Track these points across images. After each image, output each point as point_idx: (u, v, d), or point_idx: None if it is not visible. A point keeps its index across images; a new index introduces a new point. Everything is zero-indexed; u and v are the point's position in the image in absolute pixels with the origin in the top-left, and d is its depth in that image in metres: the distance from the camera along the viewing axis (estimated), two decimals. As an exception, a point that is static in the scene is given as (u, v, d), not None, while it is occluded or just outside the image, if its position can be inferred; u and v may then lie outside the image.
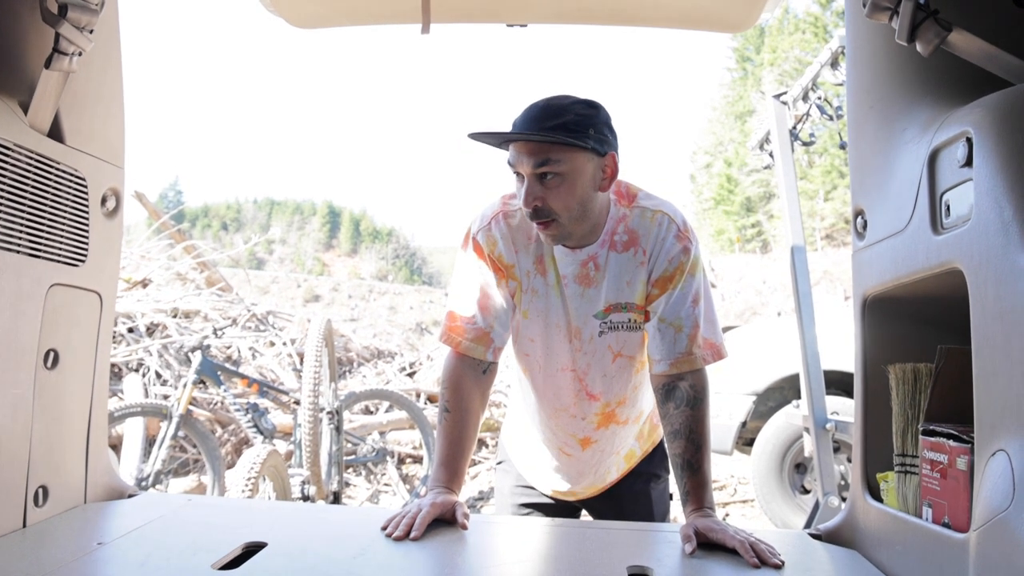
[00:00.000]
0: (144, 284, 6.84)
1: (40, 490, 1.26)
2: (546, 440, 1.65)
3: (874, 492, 1.32)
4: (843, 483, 3.87)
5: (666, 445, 1.46)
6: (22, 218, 1.21)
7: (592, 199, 1.38)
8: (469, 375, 1.48)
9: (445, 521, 1.34)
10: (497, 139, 1.38)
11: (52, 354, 1.29)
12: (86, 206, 1.37)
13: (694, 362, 1.43)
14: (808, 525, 3.49)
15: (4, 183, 1.17)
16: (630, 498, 1.72)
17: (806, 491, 4.51)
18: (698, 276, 1.46)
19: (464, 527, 1.33)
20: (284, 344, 6.69)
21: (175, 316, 6.40)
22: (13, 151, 1.19)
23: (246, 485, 3.05)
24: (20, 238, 1.21)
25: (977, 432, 0.96)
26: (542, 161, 1.32)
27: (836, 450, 3.84)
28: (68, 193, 1.32)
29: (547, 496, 1.75)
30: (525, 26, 1.89)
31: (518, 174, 1.37)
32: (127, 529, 1.24)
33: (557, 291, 1.47)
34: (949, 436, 1.09)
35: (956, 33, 1.06)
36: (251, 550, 1.17)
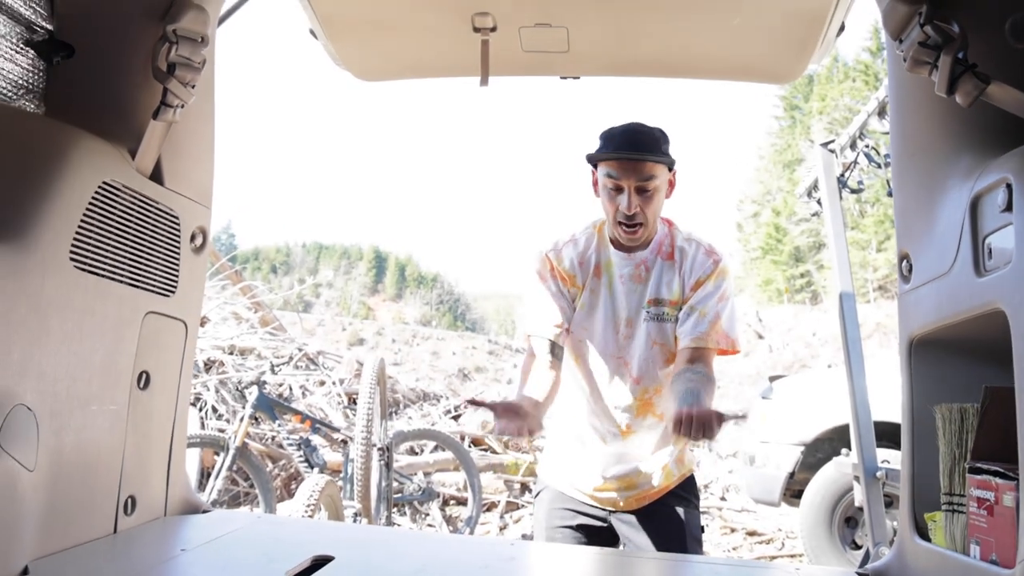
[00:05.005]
0: (202, 322, 7.10)
1: (129, 500, 1.36)
2: (593, 429, 1.87)
3: (922, 532, 1.33)
4: (895, 535, 3.75)
5: (676, 387, 1.64)
6: (126, 251, 1.35)
7: (663, 206, 1.75)
8: (541, 357, 1.79)
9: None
10: (617, 157, 1.68)
11: (144, 376, 1.41)
12: (178, 242, 1.51)
13: (708, 342, 1.71)
14: None
15: (113, 220, 1.31)
16: (663, 517, 1.87)
17: (857, 546, 4.36)
18: (727, 281, 1.79)
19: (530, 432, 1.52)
20: (334, 384, 6.84)
21: (231, 353, 6.62)
22: (122, 192, 1.33)
23: (305, 511, 3.14)
24: (123, 269, 1.34)
25: (1022, 468, 0.98)
26: (647, 177, 1.66)
27: (888, 504, 3.73)
28: (163, 230, 1.46)
29: (584, 507, 1.89)
30: (578, 78, 2.01)
31: (617, 187, 1.68)
32: (205, 540, 1.33)
33: (610, 290, 1.82)
34: (995, 473, 1.11)
35: (994, 85, 1.09)
36: (319, 562, 1.24)
